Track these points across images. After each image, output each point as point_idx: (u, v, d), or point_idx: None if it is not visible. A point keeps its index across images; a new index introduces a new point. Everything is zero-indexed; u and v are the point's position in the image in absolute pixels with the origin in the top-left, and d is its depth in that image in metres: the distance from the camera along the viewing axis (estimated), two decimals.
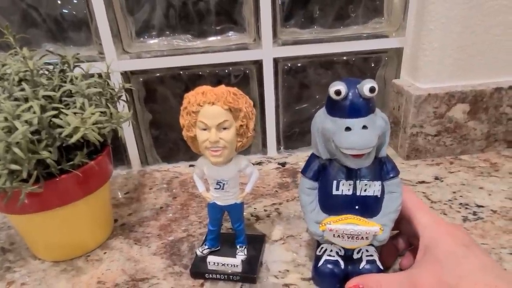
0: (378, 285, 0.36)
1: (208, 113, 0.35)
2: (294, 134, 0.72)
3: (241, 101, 0.36)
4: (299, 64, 0.67)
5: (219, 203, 0.41)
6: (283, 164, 0.68)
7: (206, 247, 0.45)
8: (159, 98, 0.66)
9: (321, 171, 0.39)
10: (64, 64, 0.46)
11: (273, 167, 0.67)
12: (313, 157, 0.40)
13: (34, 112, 0.36)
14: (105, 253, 0.49)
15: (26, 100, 0.37)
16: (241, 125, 0.36)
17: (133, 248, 0.49)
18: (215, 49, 0.62)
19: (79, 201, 0.45)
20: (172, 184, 0.63)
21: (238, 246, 0.44)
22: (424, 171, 0.63)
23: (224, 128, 0.35)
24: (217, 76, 0.65)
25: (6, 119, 0.33)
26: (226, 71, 0.65)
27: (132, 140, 0.66)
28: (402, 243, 0.44)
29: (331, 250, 0.41)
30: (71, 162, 0.41)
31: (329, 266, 0.40)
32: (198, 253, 0.45)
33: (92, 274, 0.45)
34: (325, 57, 0.65)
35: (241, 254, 0.44)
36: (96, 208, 0.48)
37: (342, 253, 0.41)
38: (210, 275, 0.43)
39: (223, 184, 0.39)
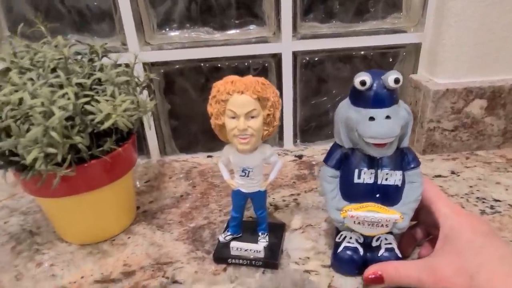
0: (397, 272, 0.37)
1: (237, 102, 0.36)
2: (311, 127, 0.73)
3: (268, 91, 0.37)
4: (316, 58, 0.68)
5: (243, 190, 0.42)
6: (300, 157, 0.69)
7: (229, 233, 0.46)
8: (179, 89, 0.67)
9: (343, 160, 0.40)
10: (92, 53, 0.48)
11: (290, 159, 0.68)
12: (335, 146, 0.41)
13: (69, 98, 0.37)
14: (129, 238, 0.50)
15: (61, 87, 0.39)
16: (268, 114, 0.37)
17: (156, 233, 0.51)
18: (235, 42, 0.63)
19: (105, 187, 0.46)
20: (191, 173, 0.65)
21: (260, 233, 0.46)
22: (440, 165, 0.63)
23: (252, 117, 0.37)
24: (236, 69, 0.66)
25: (43, 104, 0.35)
26: (246, 64, 0.66)
27: (152, 130, 0.68)
28: (420, 233, 0.44)
29: (351, 238, 0.42)
30: (100, 148, 0.43)
31: (348, 252, 0.42)
32: (221, 239, 0.46)
33: (117, 257, 0.47)
34: (343, 52, 0.66)
35: (263, 241, 0.45)
36: (121, 194, 0.50)
37: (361, 240, 0.42)
38: (233, 260, 0.44)
39: (248, 171, 0.40)
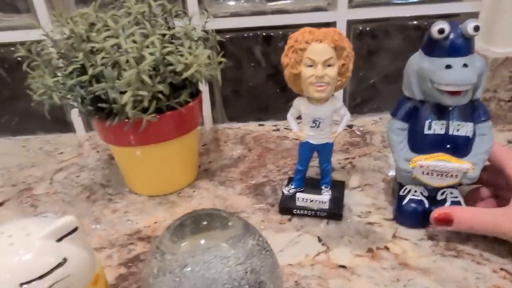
0: (470, 215, 0.37)
1: (316, 50, 0.37)
2: (359, 100, 0.73)
3: (345, 41, 0.38)
4: (368, 28, 0.68)
5: (312, 141, 0.44)
6: (350, 126, 0.70)
7: (293, 186, 0.48)
8: (231, 59, 0.69)
9: (412, 113, 0.41)
10: (164, 13, 0.50)
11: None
12: (404, 99, 0.42)
13: (155, 47, 0.40)
14: (194, 191, 0.53)
15: (145, 37, 0.41)
16: (343, 64, 0.39)
17: (219, 188, 0.53)
18: (290, 11, 0.65)
19: (175, 140, 0.49)
20: (245, 139, 0.67)
21: (323, 187, 0.47)
22: (496, 136, 0.62)
23: (329, 65, 0.38)
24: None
25: (136, 49, 0.38)
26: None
27: (206, 98, 0.70)
28: (485, 193, 0.45)
29: (415, 191, 0.43)
30: (176, 100, 0.45)
31: (413, 205, 0.43)
32: (285, 192, 0.48)
33: (186, 206, 0.50)
34: (396, 21, 0.66)
35: (327, 194, 0.47)
36: (188, 149, 0.53)
37: (426, 194, 0.43)
38: (298, 211, 0.46)
39: (319, 122, 0.42)
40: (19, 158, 0.65)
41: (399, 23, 0.67)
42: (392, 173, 0.53)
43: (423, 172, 0.40)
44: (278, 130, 0.70)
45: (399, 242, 0.42)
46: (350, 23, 0.66)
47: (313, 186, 0.49)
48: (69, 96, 0.41)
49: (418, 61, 0.39)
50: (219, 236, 0.27)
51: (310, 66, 0.38)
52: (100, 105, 0.42)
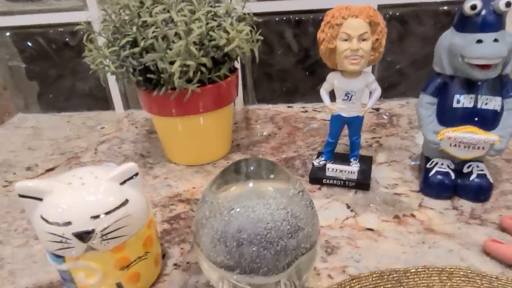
0: None
1: (352, 25, 0.40)
2: (387, 84, 0.75)
3: (379, 17, 0.41)
4: (398, 13, 0.70)
5: (343, 114, 0.46)
6: (377, 109, 0.71)
7: (323, 159, 0.51)
8: (263, 42, 0.72)
9: (442, 88, 0.43)
10: None
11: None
12: (434, 75, 0.44)
13: (201, 21, 0.43)
14: (228, 162, 0.56)
15: (193, 13, 0.45)
16: (377, 39, 0.41)
17: None
18: None
19: (212, 113, 0.52)
20: (275, 119, 0.70)
21: (352, 159, 0.50)
22: None
23: (364, 40, 0.41)
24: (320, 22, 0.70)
25: (185, 24, 0.41)
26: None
27: (239, 80, 0.73)
28: None
29: (442, 164, 0.45)
30: (216, 74, 0.49)
31: (439, 176, 0.45)
32: (315, 164, 0.51)
33: None
34: (427, 6, 0.68)
35: (355, 166, 0.49)
36: (223, 123, 0.56)
37: (452, 166, 0.45)
38: (328, 180, 0.49)
39: (351, 95, 0.44)
40: (65, 132, 0.70)
41: (429, 9, 0.68)
42: (420, 142, 0.54)
43: (450, 144, 0.42)
44: (306, 111, 0.72)
45: (425, 210, 0.44)
46: (381, 8, 0.68)
47: (342, 159, 0.51)
48: (121, 66, 0.45)
49: (449, 37, 0.41)
50: (264, 184, 0.30)
51: (346, 40, 0.41)
52: (148, 75, 0.46)
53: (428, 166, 0.46)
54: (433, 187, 0.45)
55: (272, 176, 0.31)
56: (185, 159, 0.56)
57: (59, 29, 0.73)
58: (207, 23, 0.46)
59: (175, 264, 0.39)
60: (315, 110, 0.72)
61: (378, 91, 0.46)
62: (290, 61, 0.73)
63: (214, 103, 0.51)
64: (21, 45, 0.75)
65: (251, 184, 0.30)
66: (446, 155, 0.44)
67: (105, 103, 0.78)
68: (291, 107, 0.75)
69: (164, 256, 0.39)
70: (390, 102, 0.74)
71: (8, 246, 0.42)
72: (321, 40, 0.43)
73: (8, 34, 0.75)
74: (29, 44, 0.75)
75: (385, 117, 0.69)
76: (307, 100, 0.76)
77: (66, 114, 0.78)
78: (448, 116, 0.43)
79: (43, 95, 0.80)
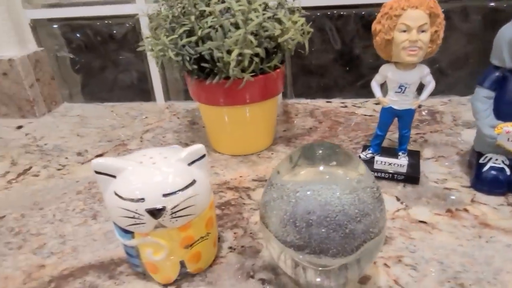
0: None
1: (411, 16, 0.40)
2: None
3: (439, 8, 0.41)
4: (443, 9, 0.68)
5: (395, 107, 0.46)
6: (419, 106, 0.71)
7: (370, 151, 0.51)
8: None
9: (500, 82, 0.43)
10: None
11: None
12: (492, 69, 0.43)
13: (258, 12, 0.44)
14: (272, 153, 0.57)
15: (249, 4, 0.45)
16: (435, 31, 0.41)
17: None
18: None
19: (258, 104, 0.53)
20: (314, 113, 0.70)
21: (400, 153, 0.50)
22: None
23: (423, 31, 0.40)
24: (363, 18, 0.70)
25: (243, 13, 0.42)
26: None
27: None
28: None
29: (497, 159, 0.45)
30: (268, 64, 0.49)
31: (493, 172, 0.44)
32: (362, 156, 0.51)
33: (266, 165, 0.54)
34: (474, 2, 0.66)
35: (404, 159, 0.49)
36: (269, 114, 0.57)
37: (507, 162, 0.44)
38: (375, 173, 0.48)
39: (405, 88, 0.44)
40: (110, 120, 0.73)
41: (476, 5, 0.67)
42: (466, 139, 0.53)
43: (508, 138, 0.42)
44: (346, 106, 0.72)
45: (478, 206, 0.43)
46: None
47: (388, 153, 0.51)
48: (177, 55, 0.46)
49: (511, 30, 0.40)
50: (333, 169, 0.30)
51: (404, 31, 0.41)
52: (203, 64, 0.47)
53: (481, 161, 0.46)
54: (486, 183, 0.45)
55: (340, 160, 0.31)
56: (230, 149, 0.57)
57: (106, 21, 0.75)
58: (263, 14, 0.46)
59: (230, 247, 0.39)
60: (354, 106, 0.72)
61: (432, 84, 0.45)
62: (329, 57, 0.73)
63: (261, 95, 0.52)
64: (69, 36, 0.78)
65: (321, 168, 0.30)
66: (500, 150, 0.44)
67: (147, 95, 0.80)
68: (330, 102, 0.75)
69: (218, 239, 0.40)
70: (431, 99, 0.73)
71: (68, 224, 0.44)
72: (377, 31, 0.43)
73: (56, 26, 0.78)
74: (77, 35, 0.77)
75: (426, 113, 0.68)
76: (345, 96, 0.75)
77: (109, 104, 0.81)
78: (507, 111, 0.42)
79: (87, 85, 0.82)
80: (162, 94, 0.79)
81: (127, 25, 0.75)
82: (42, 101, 0.76)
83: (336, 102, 0.74)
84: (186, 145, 0.61)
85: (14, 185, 0.53)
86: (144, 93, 0.80)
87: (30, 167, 0.58)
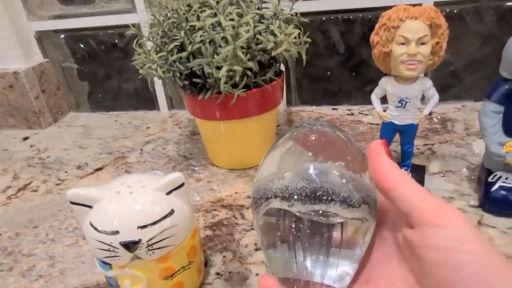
0: None
1: (410, 28, 0.37)
2: (439, 86, 0.70)
3: (441, 18, 0.37)
4: (456, 11, 0.65)
5: (396, 122, 0.44)
6: (430, 113, 0.67)
7: None
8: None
9: (509, 95, 0.39)
10: None
11: None
12: (500, 81, 0.40)
13: (249, 25, 0.42)
14: None
15: (240, 17, 0.44)
16: (437, 43, 0.38)
17: None
18: None
19: (256, 117, 0.51)
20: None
21: (403, 169, 0.47)
22: None
23: (422, 44, 0.38)
24: (369, 21, 0.66)
25: (233, 27, 0.40)
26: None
27: None
28: None
29: (506, 178, 0.41)
30: (262, 78, 0.47)
31: (503, 192, 0.41)
32: None
33: None
34: (489, 2, 0.62)
35: None
36: (267, 127, 0.55)
37: None
38: None
39: (406, 102, 0.42)
40: (113, 131, 0.73)
41: (492, 5, 0.62)
42: (478, 150, 0.50)
43: None
44: (352, 114, 0.69)
45: (485, 229, 0.40)
46: (438, 5, 0.63)
47: None
48: (168, 71, 0.45)
49: None
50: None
51: (403, 44, 0.38)
52: (194, 80, 0.46)
53: (490, 179, 0.42)
54: (495, 203, 0.41)
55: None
56: (228, 163, 0.56)
57: (109, 31, 0.75)
58: (255, 27, 0.44)
59: (217, 273, 0.38)
60: (361, 113, 0.69)
61: (435, 98, 0.42)
62: (335, 62, 0.70)
63: (258, 108, 0.50)
64: (73, 47, 0.78)
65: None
66: (511, 168, 0.40)
67: (150, 103, 0.80)
68: (336, 109, 0.72)
69: (206, 263, 0.39)
70: (443, 105, 0.70)
71: (59, 245, 0.44)
72: (374, 44, 0.41)
73: (62, 36, 0.78)
74: (81, 45, 0.78)
75: (437, 120, 0.64)
76: (352, 102, 0.73)
77: (113, 114, 0.81)
78: None
79: (92, 94, 0.83)
80: (166, 103, 0.78)
81: (129, 34, 0.75)
82: (48, 112, 0.77)
83: (342, 110, 0.72)
84: (185, 157, 0.60)
85: (13, 201, 0.54)
86: (148, 101, 0.80)
87: (31, 182, 0.58)
